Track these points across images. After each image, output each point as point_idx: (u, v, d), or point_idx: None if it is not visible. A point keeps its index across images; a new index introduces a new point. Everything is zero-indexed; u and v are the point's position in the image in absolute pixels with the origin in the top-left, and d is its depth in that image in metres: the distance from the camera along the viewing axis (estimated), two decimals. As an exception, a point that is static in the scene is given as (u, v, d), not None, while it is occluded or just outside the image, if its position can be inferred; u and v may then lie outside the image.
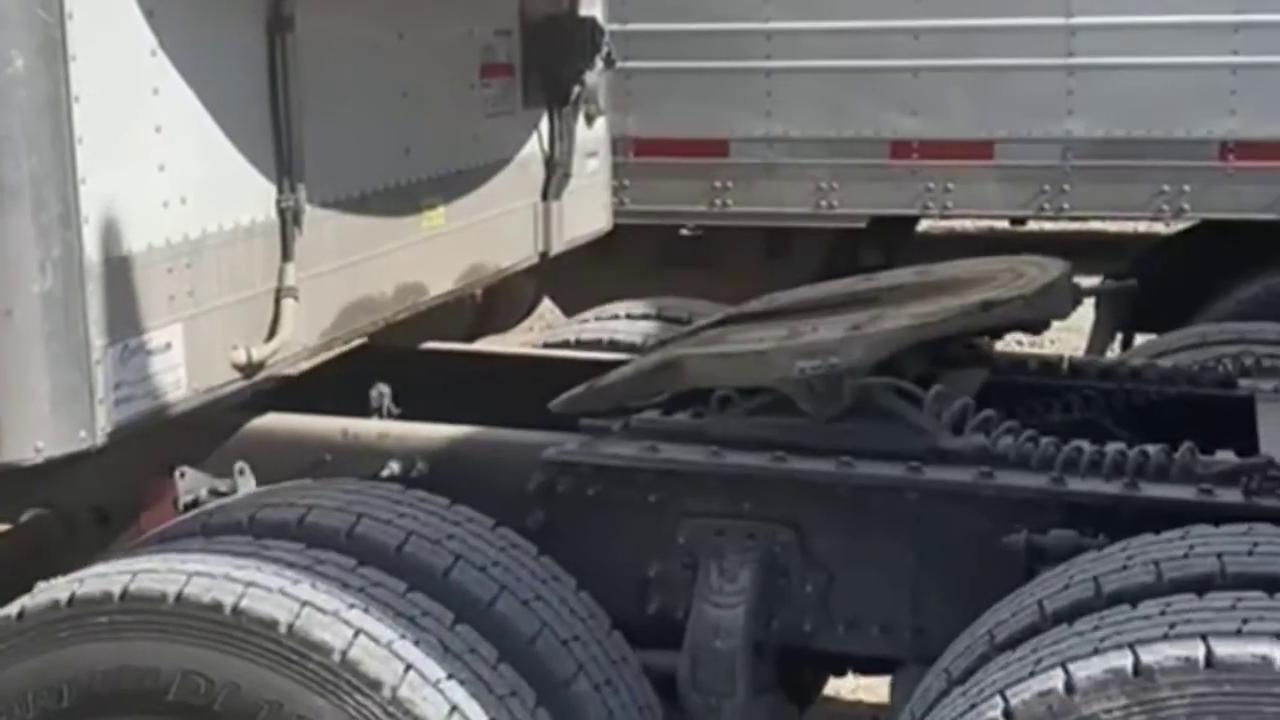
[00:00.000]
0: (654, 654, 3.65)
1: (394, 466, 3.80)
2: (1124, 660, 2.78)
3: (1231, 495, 3.46)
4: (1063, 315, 4.24)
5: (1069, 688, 2.77)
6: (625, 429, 3.93)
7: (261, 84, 3.77)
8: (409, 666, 3.03)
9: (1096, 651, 2.82)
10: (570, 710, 3.28)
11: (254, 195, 3.74)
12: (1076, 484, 3.55)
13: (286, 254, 3.81)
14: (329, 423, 3.90)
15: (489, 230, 4.88)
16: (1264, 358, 4.60)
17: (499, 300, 5.38)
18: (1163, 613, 2.93)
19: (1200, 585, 3.00)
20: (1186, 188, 6.24)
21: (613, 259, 6.67)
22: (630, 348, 5.10)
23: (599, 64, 5.39)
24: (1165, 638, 2.80)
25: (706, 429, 3.87)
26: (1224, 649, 2.73)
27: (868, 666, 4.11)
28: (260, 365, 3.73)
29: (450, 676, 3.07)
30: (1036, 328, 4.43)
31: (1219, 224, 6.54)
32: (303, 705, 2.99)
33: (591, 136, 5.54)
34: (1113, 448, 3.63)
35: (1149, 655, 2.76)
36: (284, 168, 3.80)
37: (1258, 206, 6.20)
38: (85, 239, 3.16)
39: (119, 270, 3.27)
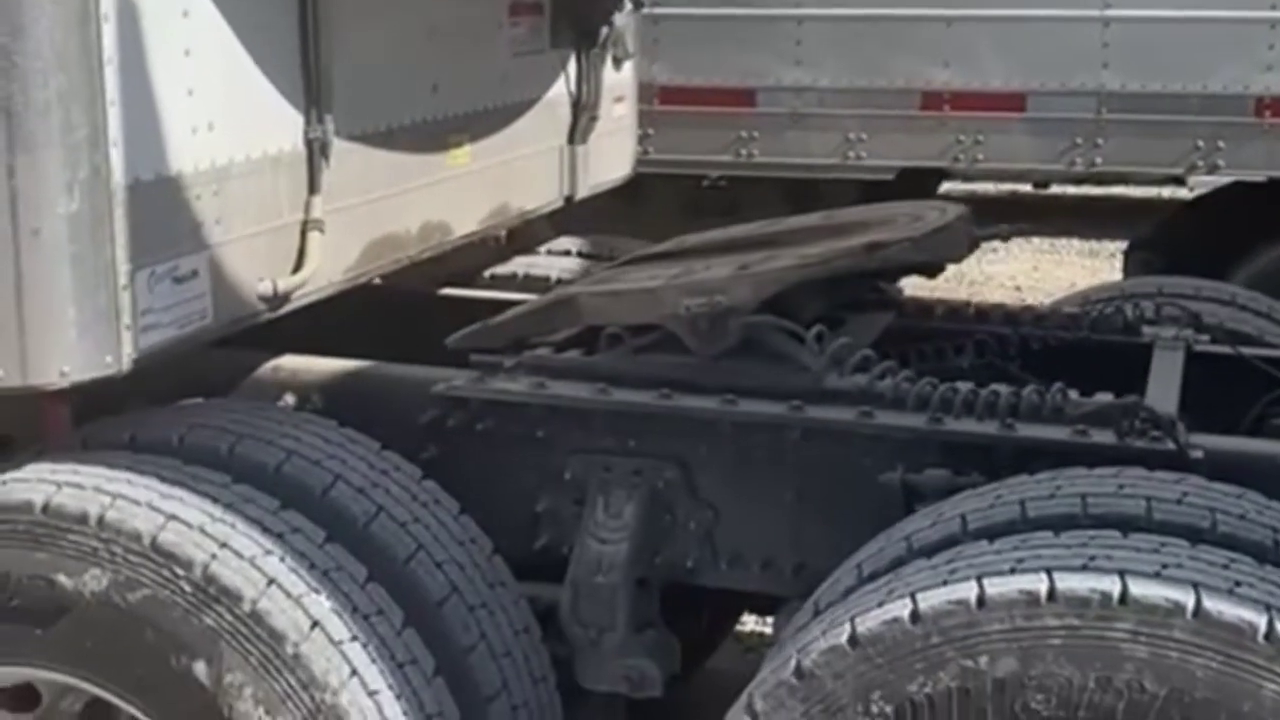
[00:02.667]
0: (537, 586, 3.66)
1: (288, 399, 3.80)
2: (968, 592, 2.83)
3: (1104, 436, 3.47)
4: (955, 259, 4.27)
5: (913, 616, 2.83)
6: (515, 365, 3.92)
7: (292, 12, 3.71)
8: (271, 580, 3.09)
9: (945, 583, 2.88)
10: (440, 630, 3.30)
11: (282, 125, 3.68)
12: (953, 424, 3.56)
13: (313, 186, 3.76)
14: (222, 354, 3.81)
15: (514, 171, 4.82)
16: (1166, 305, 4.54)
17: (520, 244, 5.31)
18: (1015, 549, 2.96)
19: (1061, 524, 3.04)
20: (1221, 144, 6.16)
21: (635, 208, 6.60)
22: (540, 283, 5.08)
23: (628, 5, 5.33)
24: (1012, 571, 2.86)
25: (595, 366, 3.87)
26: (1066, 583, 2.78)
27: (761, 606, 4.15)
28: (285, 298, 3.68)
29: (314, 592, 3.12)
30: (929, 271, 4.42)
31: (1249, 185, 6.46)
32: (164, 618, 3.07)
33: (619, 80, 5.47)
34: (988, 389, 3.64)
35: (993, 588, 2.81)
36: (312, 98, 3.74)
37: (1281, 163, 6.13)
38: (113, 161, 3.11)
39: (147, 195, 3.21)
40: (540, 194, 5.02)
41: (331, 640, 3.10)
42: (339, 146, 3.82)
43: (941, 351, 4.29)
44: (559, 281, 4.95)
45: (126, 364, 3.19)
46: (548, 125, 5.01)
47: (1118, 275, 8.04)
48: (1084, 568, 2.84)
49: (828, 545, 3.59)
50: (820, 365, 3.76)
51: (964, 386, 3.67)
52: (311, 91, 3.73)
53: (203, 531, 3.13)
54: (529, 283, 5.21)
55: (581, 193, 5.24)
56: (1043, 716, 2.79)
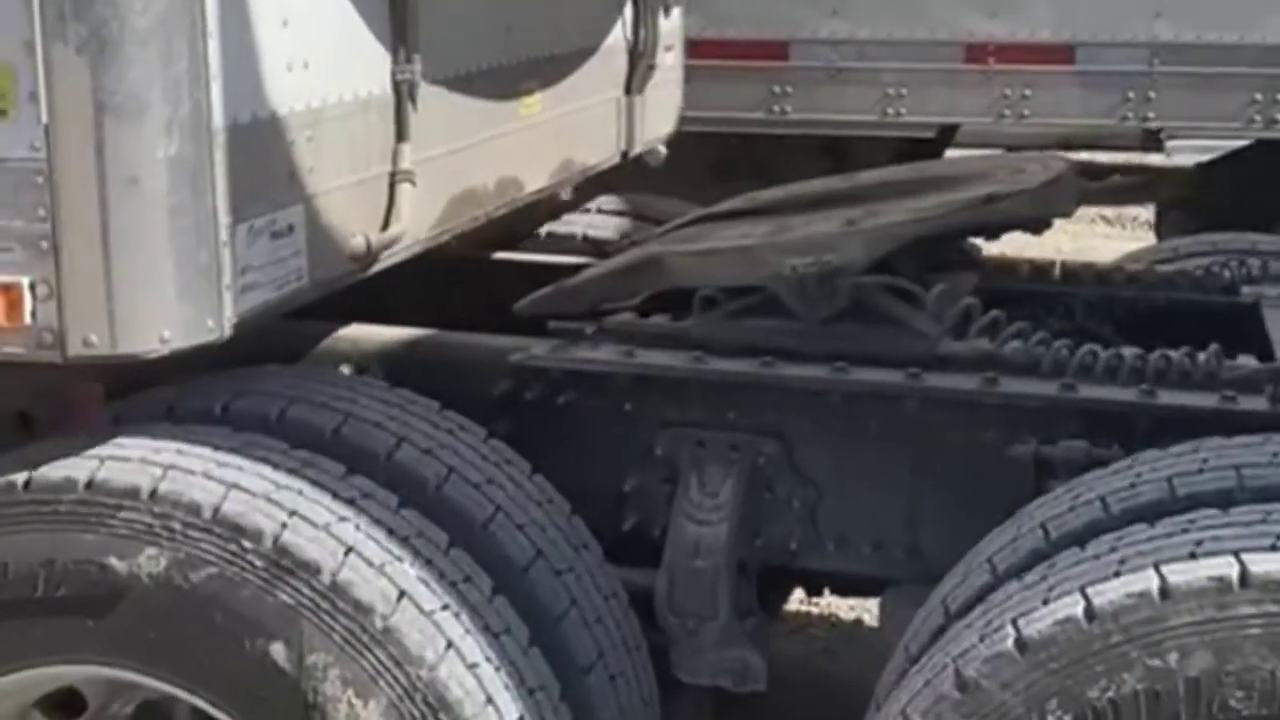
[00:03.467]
0: (629, 571, 3.37)
1: (346, 371, 3.52)
2: (1148, 583, 2.54)
3: (1255, 403, 3.22)
4: (1067, 213, 4.02)
5: (1088, 614, 2.55)
6: (599, 332, 3.62)
7: (378, -61, 3.35)
8: (349, 549, 2.84)
9: (1118, 574, 2.59)
10: (530, 597, 3.06)
11: (371, 65, 3.33)
12: (1089, 391, 3.29)
13: (401, 133, 3.40)
14: (284, 324, 3.45)
15: (580, 123, 4.47)
16: (1270, 262, 4.30)
17: (570, 204, 4.96)
18: (1185, 530, 2.68)
19: (1217, 500, 2.77)
20: (1279, 97, 5.92)
21: (660, 167, 6.27)
22: (601, 244, 4.76)
23: (680, -54, 5.01)
24: (1192, 556, 2.57)
25: (688, 332, 3.58)
26: (1260, 566, 2.51)
27: (850, 585, 3.92)
28: (376, 257, 3.33)
29: (396, 559, 2.88)
30: (1038, 226, 4.14)
31: (1270, 143, 6.20)
32: (233, 597, 2.79)
33: (669, 28, 5.13)
34: (1130, 352, 3.39)
35: (1176, 577, 2.53)
36: (399, 36, 3.37)
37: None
38: (214, 99, 2.75)
39: (244, 138, 2.86)
40: (601, 148, 4.67)
41: (422, 610, 2.83)
42: (424, 91, 3.46)
43: (1034, 315, 3.96)
44: (622, 242, 4.60)
45: (227, 329, 2.84)
46: (606, 74, 4.66)
47: (1140, 242, 7.82)
48: (1274, 547, 2.57)
49: (947, 524, 3.35)
50: (936, 329, 3.48)
51: (1102, 351, 3.41)
52: (399, 28, 3.37)
53: (269, 500, 2.85)
54: (588, 244, 4.87)
55: (638, 147, 4.90)
56: (1244, 716, 2.51)
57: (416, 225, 3.46)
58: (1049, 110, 6.15)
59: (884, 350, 3.45)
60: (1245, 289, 4.16)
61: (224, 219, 2.79)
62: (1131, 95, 6.04)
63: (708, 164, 6.62)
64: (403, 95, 3.39)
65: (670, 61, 5.16)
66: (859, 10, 6.19)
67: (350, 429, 3.09)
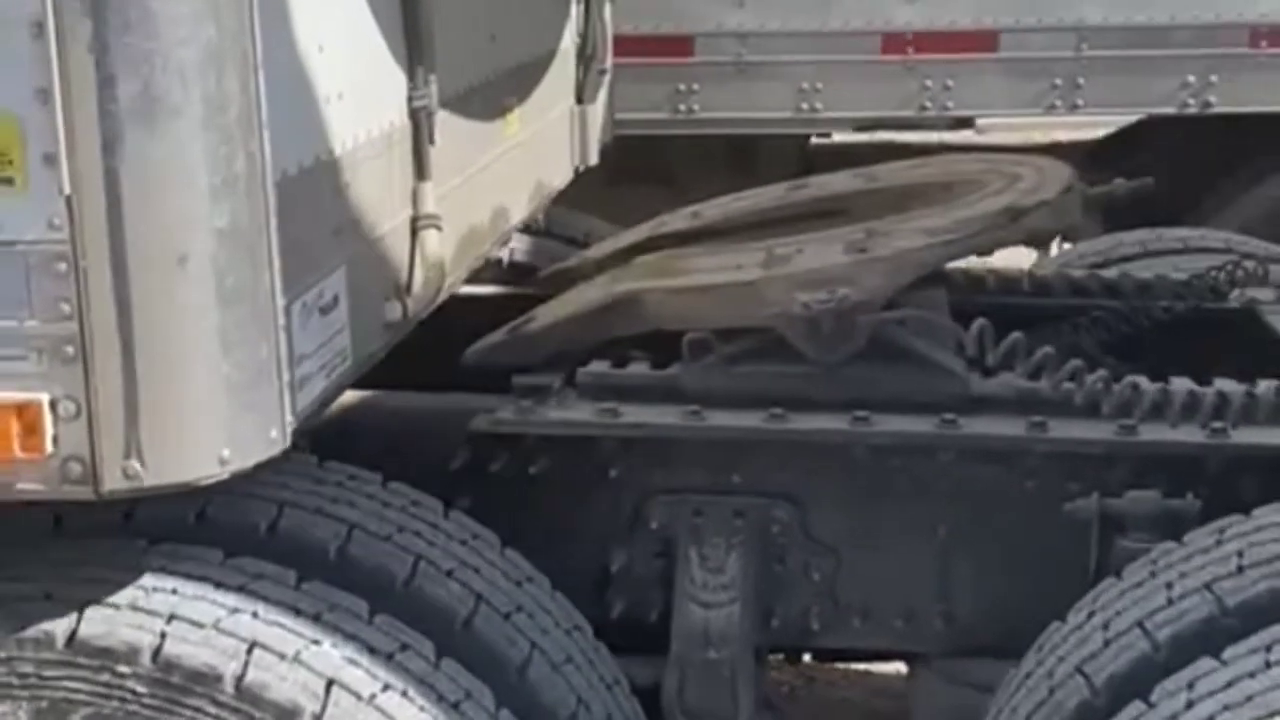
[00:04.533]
0: (628, 662, 2.94)
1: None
2: None
3: None
4: (1076, 224, 3.64)
5: None
6: (571, 386, 3.14)
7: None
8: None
9: None
10: (522, 693, 2.65)
11: (390, 90, 2.74)
12: (1153, 433, 2.93)
13: (422, 170, 2.82)
14: None
15: (545, 140, 3.92)
16: (1240, 265, 3.99)
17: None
18: None
19: None
20: (1214, 78, 5.63)
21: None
22: (525, 270, 4.24)
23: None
24: None
25: (679, 382, 3.11)
26: None
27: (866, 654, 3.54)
28: (410, 322, 2.75)
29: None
30: (1045, 240, 3.80)
31: (1166, 120, 5.95)
32: None
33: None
34: (1180, 385, 3.03)
35: None
36: (415, 52, 2.79)
37: (1289, 97, 5.64)
38: (265, 148, 2.15)
39: (294, 193, 2.26)
40: (561, 166, 4.12)
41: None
42: (439, 118, 2.89)
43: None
44: (551, 268, 4.06)
45: (289, 437, 2.24)
46: (562, 83, 4.12)
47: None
48: None
49: (989, 591, 3.01)
50: (963, 367, 3.08)
51: (1148, 383, 3.03)
52: (414, 42, 2.78)
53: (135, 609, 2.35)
54: (512, 271, 4.34)
55: (590, 160, 4.36)
56: None
57: (441, 279, 2.88)
58: (973, 101, 5.77)
59: (910, 394, 3.05)
60: (1233, 292, 3.86)
61: (280, 299, 2.20)
62: (1059, 82, 5.71)
63: (606, 169, 6.11)
64: (421, 125, 2.81)
65: (608, 63, 4.63)
66: (767, 1, 5.73)
67: (288, 521, 2.56)
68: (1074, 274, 4.08)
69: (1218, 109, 5.67)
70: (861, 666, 4.72)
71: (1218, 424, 2.92)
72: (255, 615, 2.36)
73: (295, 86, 2.28)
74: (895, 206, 3.63)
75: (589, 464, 3.06)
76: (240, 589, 2.40)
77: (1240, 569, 2.49)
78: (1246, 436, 2.91)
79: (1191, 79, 5.64)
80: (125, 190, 1.99)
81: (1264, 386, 3.04)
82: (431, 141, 2.83)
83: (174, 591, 2.37)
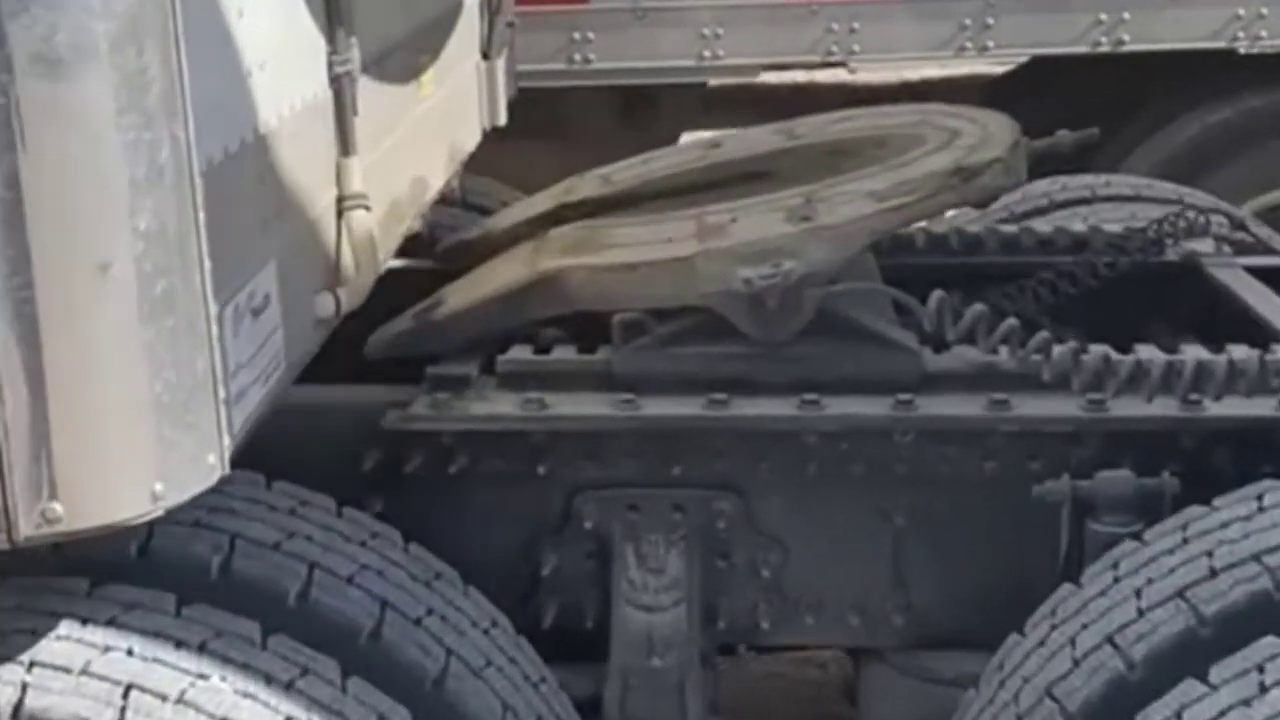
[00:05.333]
0: (564, 672, 2.76)
1: None
2: None
3: None
4: (1022, 180, 3.40)
5: None
6: (490, 376, 2.92)
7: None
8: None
9: None
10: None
11: (309, 57, 2.45)
12: (1125, 407, 2.77)
13: (346, 144, 2.53)
14: None
15: (455, 100, 3.63)
16: (1181, 216, 3.83)
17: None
18: None
19: None
20: (1126, 16, 5.47)
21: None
22: (430, 242, 3.92)
23: None
24: None
25: (609, 368, 2.91)
26: None
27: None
28: (340, 316, 2.47)
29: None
30: (994, 199, 3.61)
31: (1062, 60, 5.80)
32: None
33: (506, -27, 4.30)
34: (1150, 354, 2.89)
35: None
36: (335, 12, 2.50)
37: (1204, 34, 5.49)
38: (190, 133, 1.86)
39: (221, 181, 1.97)
40: (471, 127, 3.84)
41: None
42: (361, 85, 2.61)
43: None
44: (453, 238, 3.78)
45: (228, 462, 1.96)
46: (468, 37, 3.82)
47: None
48: None
49: (951, 580, 2.85)
50: (915, 341, 2.91)
51: (1114, 353, 2.86)
52: (331, 4, 2.50)
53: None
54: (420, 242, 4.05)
55: (499, 119, 4.08)
56: None
57: (374, 264, 2.60)
58: (881, 45, 5.55)
59: (862, 373, 2.86)
60: (1171, 242, 3.72)
61: (213, 305, 1.91)
62: (968, 23, 5.51)
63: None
64: (344, 93, 2.52)
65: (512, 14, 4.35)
66: (664, -58, 5.46)
67: (161, 539, 2.31)
68: (1005, 230, 3.90)
69: (1130, 47, 5.51)
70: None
71: (1193, 396, 2.76)
72: (130, 652, 2.09)
73: (218, 59, 1.99)
74: (826, 166, 3.40)
75: (513, 460, 2.84)
76: (111, 623, 2.13)
77: (1213, 572, 2.32)
78: (1224, 409, 2.76)
79: (1104, 16, 5.47)
80: (30, 191, 1.69)
81: (1244, 354, 2.87)
82: (355, 112, 2.55)
83: (33, 633, 2.08)
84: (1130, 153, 5.84)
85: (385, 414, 2.77)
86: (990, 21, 5.48)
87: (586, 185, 3.68)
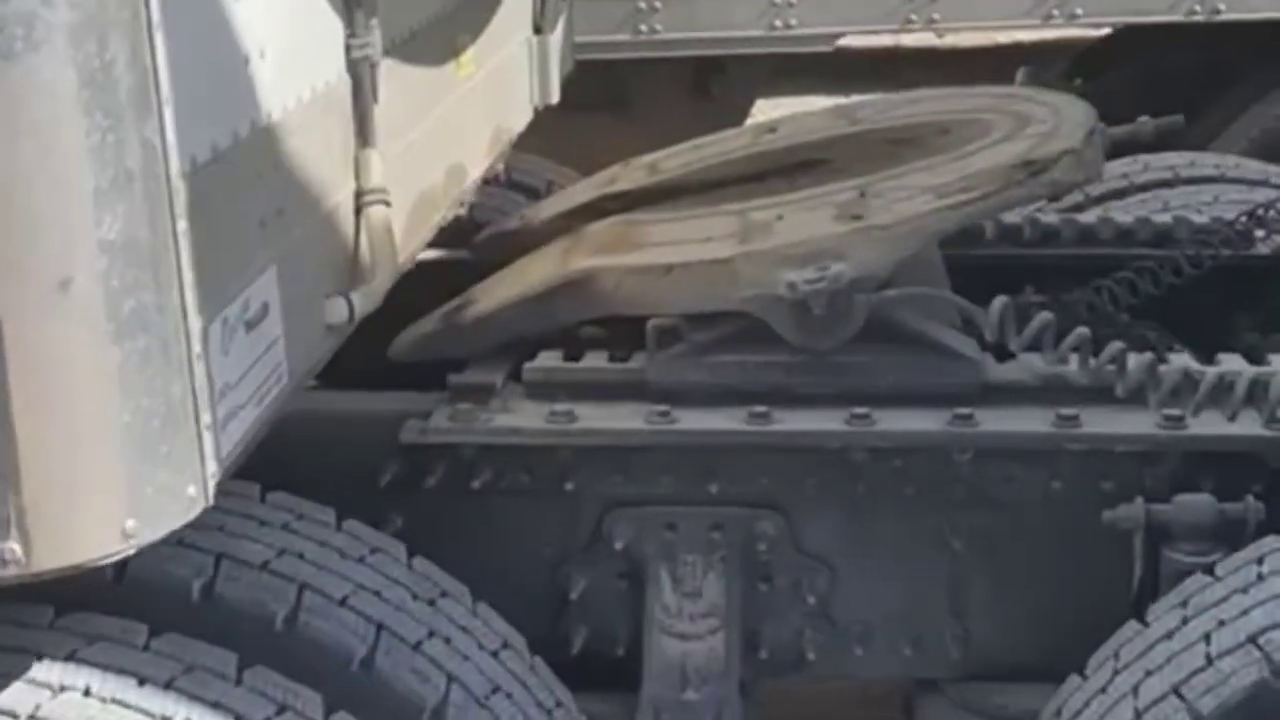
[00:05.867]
0: (593, 701, 2.61)
1: None
2: None
3: None
4: (1099, 174, 3.16)
5: None
6: (516, 385, 2.75)
7: None
8: None
9: None
10: None
11: (324, 41, 2.27)
12: (1204, 425, 2.55)
13: (365, 135, 2.35)
14: None
15: (501, 79, 3.44)
16: (1273, 207, 3.54)
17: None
18: None
19: None
20: None
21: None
22: (472, 227, 3.71)
23: None
24: None
25: (644, 378, 2.72)
26: None
27: None
28: (354, 322, 2.30)
29: None
30: (1066, 193, 3.40)
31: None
32: None
33: (561, -59, 4.10)
34: (1236, 365, 2.68)
35: None
36: (353, -8, 2.32)
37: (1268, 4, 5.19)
38: (168, 132, 1.69)
39: (208, 184, 1.79)
40: (520, 107, 3.64)
41: None
42: (383, 69, 2.42)
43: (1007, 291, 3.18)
44: (498, 226, 3.58)
45: (212, 493, 1.79)
46: (517, 9, 3.63)
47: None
48: None
49: (1011, 610, 2.67)
50: (978, 351, 2.72)
51: (1187, 361, 2.68)
52: (350, -20, 2.31)
53: None
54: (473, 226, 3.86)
55: (551, 98, 3.88)
56: None
57: (393, 264, 2.42)
58: (962, 14, 5.29)
59: (917, 385, 2.67)
60: (1264, 236, 3.46)
61: (195, 321, 1.74)
62: (1055, -13, 5.24)
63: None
64: (362, 80, 2.34)
65: (566, -15, 4.15)
66: (735, -93, 5.24)
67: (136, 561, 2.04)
68: (1083, 220, 3.65)
69: (1226, 16, 5.22)
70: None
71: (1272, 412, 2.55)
72: (88, 692, 1.92)
73: (205, 47, 1.81)
74: (887, 155, 3.20)
75: (540, 475, 2.69)
76: (70, 657, 1.96)
77: None
78: None
79: None
80: (-17, 197, 1.53)
81: None
82: (376, 99, 2.36)
83: None
84: (1226, 128, 5.58)
85: (404, 425, 2.60)
86: None
87: (630, 175, 3.49)
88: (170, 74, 1.68)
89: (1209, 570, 2.32)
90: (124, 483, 1.66)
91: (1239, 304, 3.34)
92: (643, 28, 5.34)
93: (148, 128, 1.64)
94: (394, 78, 2.49)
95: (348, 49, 2.31)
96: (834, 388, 2.68)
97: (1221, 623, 2.17)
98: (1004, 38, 7.78)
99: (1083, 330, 2.64)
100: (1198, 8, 5.22)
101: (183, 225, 1.70)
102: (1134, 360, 2.59)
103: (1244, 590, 2.20)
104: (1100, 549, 2.57)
